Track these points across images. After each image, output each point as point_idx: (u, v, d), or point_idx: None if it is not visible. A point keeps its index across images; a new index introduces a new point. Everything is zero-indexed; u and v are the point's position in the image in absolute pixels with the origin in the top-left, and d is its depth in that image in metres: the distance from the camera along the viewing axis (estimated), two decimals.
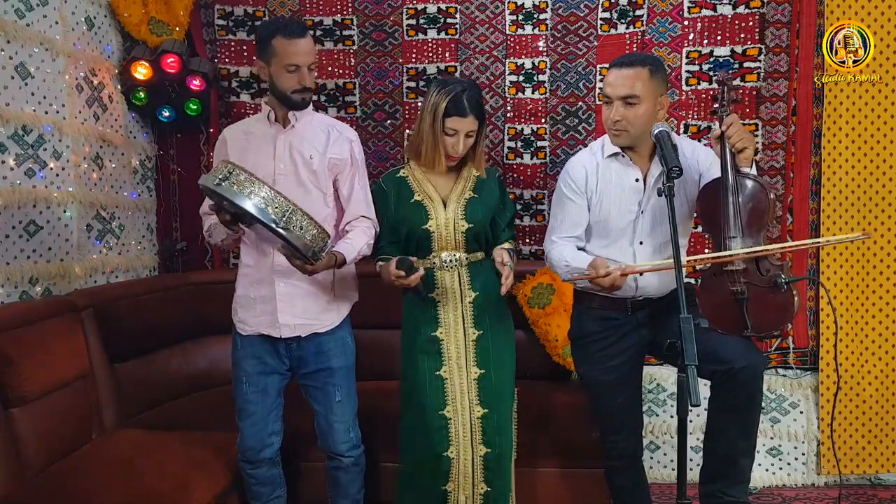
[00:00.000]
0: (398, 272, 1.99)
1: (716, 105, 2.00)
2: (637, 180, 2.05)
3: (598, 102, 3.13)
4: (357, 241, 2.11)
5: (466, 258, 2.15)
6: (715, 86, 2.99)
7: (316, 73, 2.17)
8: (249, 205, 1.78)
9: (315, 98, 3.23)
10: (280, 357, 2.15)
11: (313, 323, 2.13)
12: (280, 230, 1.80)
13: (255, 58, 2.15)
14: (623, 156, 2.06)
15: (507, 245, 2.19)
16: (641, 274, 2.04)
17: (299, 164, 2.10)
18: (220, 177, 1.81)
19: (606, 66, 3.03)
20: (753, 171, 1.91)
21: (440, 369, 2.13)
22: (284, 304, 2.10)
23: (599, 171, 2.09)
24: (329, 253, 2.00)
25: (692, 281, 3.02)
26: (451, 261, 2.13)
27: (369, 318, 2.35)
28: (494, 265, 2.15)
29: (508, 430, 2.18)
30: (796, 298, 1.82)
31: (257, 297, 2.13)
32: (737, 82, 2.96)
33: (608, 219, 2.06)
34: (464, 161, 2.19)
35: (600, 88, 3.12)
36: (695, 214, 2.18)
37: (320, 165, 2.11)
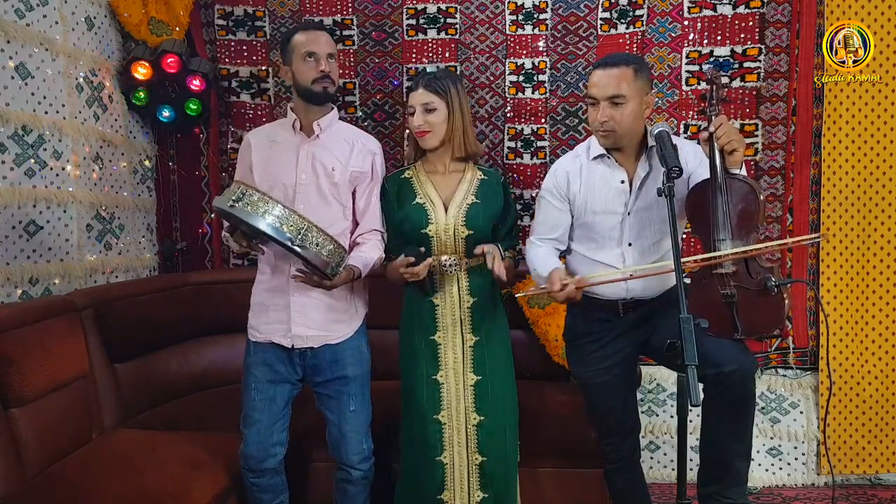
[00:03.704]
0: (407, 260, 1.97)
1: (704, 105, 1.98)
2: (623, 182, 2.04)
3: None
4: (371, 254, 2.09)
5: (467, 263, 2.13)
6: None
7: (339, 71, 2.16)
8: (264, 224, 1.77)
9: None
10: (293, 366, 2.13)
11: (326, 335, 2.11)
12: (296, 248, 1.80)
13: (280, 66, 2.16)
14: (609, 157, 2.05)
15: (508, 254, 2.14)
16: (636, 280, 2.02)
17: (321, 175, 2.08)
18: (234, 198, 1.81)
19: None
20: (743, 172, 1.90)
21: (436, 374, 2.12)
22: (298, 315, 2.08)
23: (584, 173, 2.08)
24: (347, 268, 1.99)
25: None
26: (450, 265, 2.11)
27: (371, 319, 2.35)
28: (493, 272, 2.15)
29: (505, 438, 2.15)
30: (787, 301, 1.81)
31: (271, 304, 2.11)
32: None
33: (594, 221, 2.06)
34: (466, 161, 2.18)
35: None
36: (685, 215, 2.18)
37: (342, 177, 2.10)
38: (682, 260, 1.94)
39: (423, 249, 2.03)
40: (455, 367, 2.12)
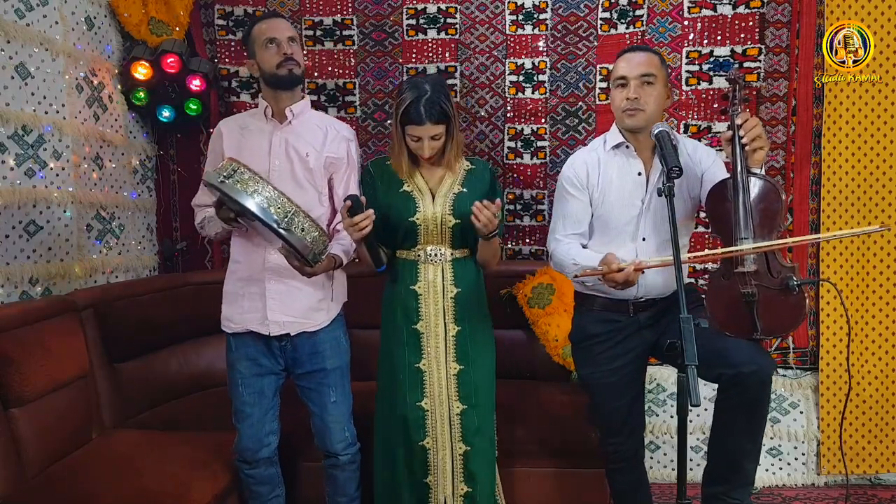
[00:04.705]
0: (345, 205, 1.88)
1: (726, 104, 1.98)
2: (640, 174, 2.03)
3: (598, 102, 3.13)
4: (350, 242, 2.10)
5: (452, 254, 2.12)
6: (716, 86, 3.00)
7: (305, 56, 2.15)
8: (252, 203, 1.78)
9: (315, 98, 3.24)
10: (274, 357, 2.14)
11: (303, 321, 2.11)
12: (281, 231, 1.79)
13: (245, 60, 2.15)
14: (628, 146, 2.04)
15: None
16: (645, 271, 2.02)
17: (295, 161, 2.09)
18: (225, 174, 1.81)
19: (606, 65, 3.08)
20: (763, 171, 1.89)
21: (419, 362, 2.12)
22: (275, 302, 2.08)
23: (601, 165, 2.07)
24: (329, 256, 2.00)
25: (692, 281, 3.03)
26: (435, 255, 2.11)
27: (360, 318, 2.34)
28: (477, 264, 2.15)
29: (488, 429, 2.16)
30: (807, 301, 1.80)
31: (245, 293, 2.11)
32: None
33: (610, 214, 2.04)
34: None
35: (601, 88, 3.12)
36: (697, 214, 2.17)
37: (316, 163, 2.10)
38: (703, 253, 1.92)
39: (364, 199, 1.91)
40: (437, 357, 2.11)
